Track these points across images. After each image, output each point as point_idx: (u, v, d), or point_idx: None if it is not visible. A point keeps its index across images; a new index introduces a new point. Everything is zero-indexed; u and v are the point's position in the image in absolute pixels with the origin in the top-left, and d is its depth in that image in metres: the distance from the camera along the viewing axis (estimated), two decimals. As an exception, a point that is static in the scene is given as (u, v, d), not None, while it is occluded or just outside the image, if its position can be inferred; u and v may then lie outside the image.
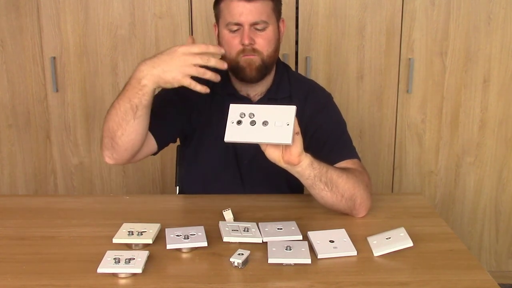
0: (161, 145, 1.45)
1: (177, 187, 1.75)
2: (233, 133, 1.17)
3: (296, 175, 1.27)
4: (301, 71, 2.29)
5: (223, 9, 1.43)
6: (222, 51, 1.32)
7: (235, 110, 1.19)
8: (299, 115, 1.47)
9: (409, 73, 2.29)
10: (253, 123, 1.16)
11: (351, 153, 1.46)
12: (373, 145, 2.37)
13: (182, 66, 1.23)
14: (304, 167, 1.24)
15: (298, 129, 1.19)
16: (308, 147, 1.39)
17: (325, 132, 1.47)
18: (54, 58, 2.29)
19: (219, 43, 1.47)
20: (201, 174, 1.56)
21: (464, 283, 1.05)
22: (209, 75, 1.26)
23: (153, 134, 1.40)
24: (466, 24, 2.26)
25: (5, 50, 2.30)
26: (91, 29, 2.27)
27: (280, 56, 2.25)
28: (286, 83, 1.53)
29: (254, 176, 1.51)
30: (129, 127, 1.29)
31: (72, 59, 2.29)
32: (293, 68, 2.29)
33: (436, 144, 2.37)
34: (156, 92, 1.36)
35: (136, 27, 2.27)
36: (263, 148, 1.22)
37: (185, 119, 1.50)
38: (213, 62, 1.26)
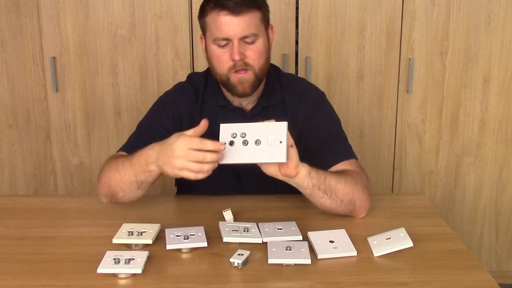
0: None
1: (176, 187, 1.75)
2: (227, 155, 1.17)
3: (295, 185, 1.27)
4: (301, 71, 2.29)
5: (209, 23, 1.38)
6: (222, 147, 1.16)
7: (226, 130, 1.18)
8: (293, 118, 1.47)
9: (409, 73, 2.29)
10: (245, 142, 1.16)
11: (348, 153, 1.45)
12: (373, 145, 2.37)
13: (180, 161, 1.16)
14: (302, 177, 1.24)
15: (291, 141, 1.18)
16: (305, 150, 1.39)
17: (320, 134, 1.46)
18: (54, 58, 2.29)
19: (207, 57, 1.44)
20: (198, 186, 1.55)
21: (464, 283, 1.05)
22: (201, 176, 1.18)
23: None
24: (466, 24, 2.25)
25: (5, 50, 2.30)
26: (91, 29, 2.27)
27: (280, 56, 2.27)
28: (278, 88, 1.50)
29: (253, 186, 1.49)
30: (132, 194, 1.33)
31: (72, 59, 2.29)
32: (293, 68, 2.30)
33: (436, 144, 2.37)
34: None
35: (136, 27, 2.27)
36: (259, 164, 1.22)
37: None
38: (209, 159, 1.15)
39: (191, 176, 1.18)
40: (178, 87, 1.57)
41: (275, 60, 2.10)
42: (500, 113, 2.33)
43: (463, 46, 2.27)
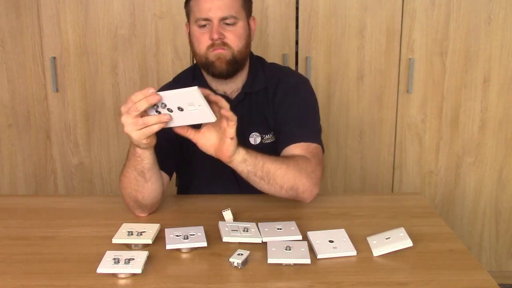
0: (172, 173, 1.51)
1: (177, 187, 1.75)
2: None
3: (230, 167, 1.28)
4: (301, 71, 2.29)
5: (192, 6, 1.44)
6: (151, 90, 1.12)
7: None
8: (273, 103, 1.50)
9: (409, 73, 2.29)
10: (170, 110, 1.15)
11: (308, 136, 1.44)
12: (373, 145, 2.37)
13: (131, 124, 1.15)
14: (236, 163, 1.26)
15: (232, 134, 1.19)
16: (275, 128, 1.45)
17: (288, 113, 1.48)
18: (54, 58, 2.29)
19: (190, 41, 1.48)
20: (197, 176, 1.56)
21: (464, 283, 1.05)
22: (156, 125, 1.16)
23: (163, 171, 1.40)
24: (466, 24, 2.26)
25: (5, 50, 2.30)
26: (91, 29, 2.27)
27: (280, 56, 2.27)
28: (261, 75, 1.53)
29: (250, 185, 1.49)
30: (146, 189, 1.31)
31: (72, 59, 2.30)
32: (293, 68, 2.30)
33: (436, 144, 2.37)
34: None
35: (136, 27, 2.27)
36: (194, 140, 1.23)
37: (180, 137, 1.49)
38: (143, 106, 1.12)
39: (137, 134, 1.15)
40: (163, 86, 1.60)
41: (275, 60, 2.10)
42: (500, 113, 2.33)
43: (463, 46, 2.27)
